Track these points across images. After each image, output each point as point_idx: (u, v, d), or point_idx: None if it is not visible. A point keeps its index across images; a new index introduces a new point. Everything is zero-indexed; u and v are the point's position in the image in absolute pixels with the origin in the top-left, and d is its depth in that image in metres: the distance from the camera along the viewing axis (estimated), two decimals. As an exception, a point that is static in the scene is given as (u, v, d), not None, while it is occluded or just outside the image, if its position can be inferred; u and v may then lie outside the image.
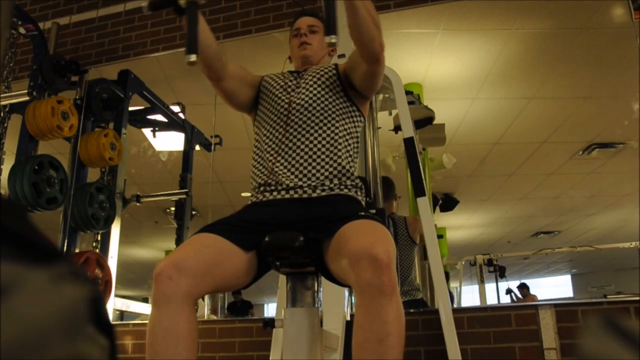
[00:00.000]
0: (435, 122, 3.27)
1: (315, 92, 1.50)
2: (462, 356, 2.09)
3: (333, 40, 1.09)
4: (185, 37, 1.23)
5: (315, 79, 1.53)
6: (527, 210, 5.37)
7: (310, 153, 1.42)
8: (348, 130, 1.49)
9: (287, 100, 1.50)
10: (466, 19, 3.21)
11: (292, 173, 1.41)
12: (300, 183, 1.39)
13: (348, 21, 1.27)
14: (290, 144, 1.44)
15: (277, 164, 1.43)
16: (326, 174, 1.40)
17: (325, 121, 1.45)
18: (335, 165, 1.41)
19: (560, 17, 3.26)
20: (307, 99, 1.48)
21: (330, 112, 1.47)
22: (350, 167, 1.45)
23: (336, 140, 1.44)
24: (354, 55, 1.45)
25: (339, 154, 1.43)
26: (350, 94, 1.52)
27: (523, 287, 6.64)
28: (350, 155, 1.47)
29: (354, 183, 1.43)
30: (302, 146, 1.43)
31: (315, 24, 1.65)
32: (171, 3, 1.25)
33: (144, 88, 3.20)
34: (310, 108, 1.47)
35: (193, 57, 1.19)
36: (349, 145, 1.48)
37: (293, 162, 1.42)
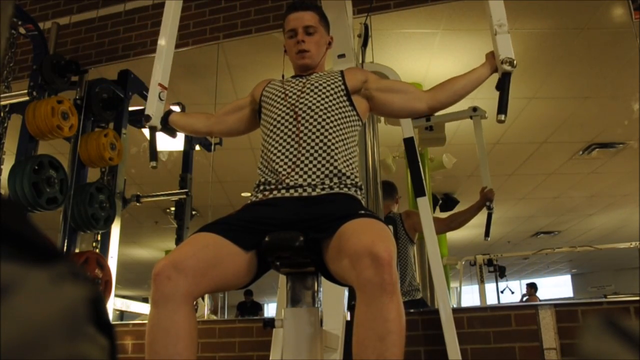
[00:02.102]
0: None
1: (318, 98, 1.51)
2: (462, 356, 2.09)
3: (503, 119, 1.45)
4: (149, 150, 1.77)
5: (319, 85, 1.54)
6: (527, 210, 5.37)
7: (312, 151, 1.43)
8: (348, 135, 1.50)
9: (290, 107, 1.51)
10: (466, 19, 3.21)
11: (294, 171, 1.41)
12: (300, 181, 1.39)
13: (462, 90, 1.54)
14: (296, 145, 1.45)
15: (284, 166, 1.43)
16: (326, 172, 1.41)
17: (324, 127, 1.46)
18: (335, 164, 1.42)
19: (560, 17, 3.26)
20: (310, 104, 1.49)
21: (330, 118, 1.48)
22: (348, 170, 1.45)
23: (334, 144, 1.45)
24: (411, 90, 1.58)
25: (337, 156, 1.44)
26: (353, 100, 1.54)
27: (531, 287, 6.69)
28: (349, 159, 1.48)
29: (353, 182, 1.44)
30: (305, 145, 1.44)
31: (311, 23, 1.59)
32: (153, 140, 1.77)
33: (144, 88, 3.20)
34: (314, 109, 1.49)
35: (153, 164, 1.73)
36: (346, 149, 1.49)
37: (296, 160, 1.43)
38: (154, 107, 1.77)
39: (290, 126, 1.48)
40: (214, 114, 1.77)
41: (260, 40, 3.28)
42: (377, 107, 1.60)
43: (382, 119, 2.82)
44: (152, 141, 1.75)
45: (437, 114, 3.16)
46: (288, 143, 1.46)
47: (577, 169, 4.38)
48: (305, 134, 1.45)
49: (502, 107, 1.47)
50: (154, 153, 1.73)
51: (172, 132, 1.81)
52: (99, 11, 3.65)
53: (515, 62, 1.49)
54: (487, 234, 3.02)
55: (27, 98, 2.70)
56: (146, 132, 1.89)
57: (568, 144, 4.16)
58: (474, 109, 3.19)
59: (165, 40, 1.88)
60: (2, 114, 2.81)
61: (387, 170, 3.20)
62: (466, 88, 1.54)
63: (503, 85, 1.49)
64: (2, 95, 2.74)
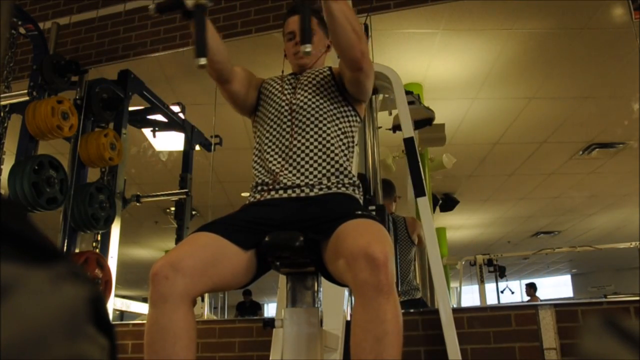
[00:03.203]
0: (435, 122, 3.26)
1: (311, 94, 1.51)
2: (462, 356, 2.09)
3: (308, 50, 1.17)
4: (194, 41, 1.22)
5: (310, 81, 1.54)
6: (527, 210, 5.37)
7: (307, 151, 1.43)
8: (343, 130, 1.50)
9: (286, 103, 1.51)
10: (466, 19, 3.21)
11: (290, 172, 1.41)
12: (298, 182, 1.39)
13: (328, 27, 1.32)
14: (288, 144, 1.45)
15: (276, 164, 1.43)
16: (323, 171, 1.41)
17: (320, 122, 1.46)
18: (332, 163, 1.42)
19: (560, 17, 3.26)
20: (304, 100, 1.49)
21: (325, 113, 1.48)
22: (347, 165, 1.45)
23: (331, 140, 1.45)
24: (340, 61, 1.45)
25: (336, 152, 1.44)
26: (346, 95, 1.53)
27: (530, 287, 6.70)
28: (346, 155, 1.48)
29: (351, 181, 1.44)
30: (300, 145, 1.44)
31: None
32: (179, 5, 1.26)
33: (144, 88, 3.20)
34: (307, 108, 1.48)
35: (203, 61, 1.20)
36: (345, 144, 1.49)
37: (291, 161, 1.43)
38: None
39: (284, 125, 1.48)
40: (236, 68, 1.52)
41: (260, 40, 3.28)
42: (352, 94, 1.51)
43: (381, 117, 2.81)
44: (201, 26, 1.25)
45: (438, 120, 3.22)
46: (282, 143, 1.46)
47: (577, 169, 4.38)
48: (299, 134, 1.45)
49: (305, 36, 1.18)
50: (203, 45, 1.22)
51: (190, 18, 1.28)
52: (99, 11, 3.65)
53: None
54: None
55: (27, 98, 2.69)
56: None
57: (568, 144, 4.16)
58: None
59: None
60: (2, 114, 2.81)
61: (387, 170, 3.20)
62: (342, 13, 1.29)
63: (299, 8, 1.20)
64: (2, 95, 2.74)
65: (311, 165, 1.41)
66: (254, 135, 1.57)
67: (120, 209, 3.01)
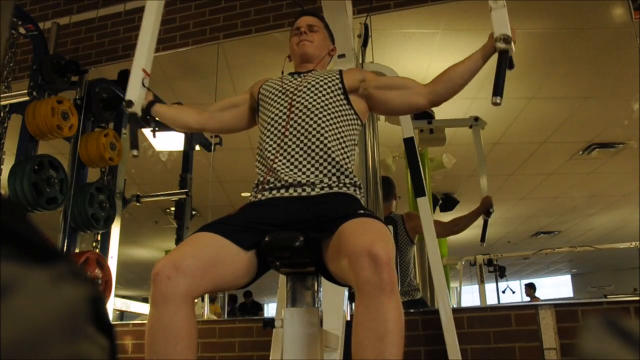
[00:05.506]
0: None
1: (316, 94, 1.51)
2: (462, 356, 2.09)
3: (498, 102, 1.36)
4: (129, 137, 1.70)
5: (316, 82, 1.54)
6: (527, 210, 5.36)
7: (309, 151, 1.43)
8: (345, 134, 1.50)
9: (288, 102, 1.51)
10: (466, 19, 3.21)
11: (291, 170, 1.41)
12: (299, 179, 1.39)
13: (460, 80, 1.50)
14: (290, 143, 1.45)
15: (277, 162, 1.43)
16: (324, 172, 1.41)
17: (323, 123, 1.46)
18: (333, 163, 1.42)
19: (560, 17, 3.26)
20: (308, 99, 1.50)
21: (328, 115, 1.48)
22: (348, 166, 1.45)
23: (334, 141, 1.45)
24: (410, 85, 1.58)
25: (337, 153, 1.44)
26: (351, 99, 1.54)
27: (530, 287, 6.68)
28: (348, 157, 1.48)
29: (352, 181, 1.44)
30: (302, 145, 1.44)
31: (315, 23, 1.68)
32: (136, 123, 1.67)
33: (144, 88, 3.20)
34: (311, 107, 1.48)
35: (135, 152, 1.64)
36: (347, 147, 1.49)
37: (292, 160, 1.43)
38: (136, 93, 1.65)
39: (284, 124, 1.48)
40: (207, 109, 1.75)
41: (260, 40, 3.28)
42: (376, 105, 1.60)
43: (382, 117, 2.82)
44: (133, 129, 1.68)
45: (437, 118, 3.19)
46: (282, 141, 1.46)
47: (577, 169, 4.37)
48: (296, 129, 1.46)
49: (497, 89, 1.36)
50: (134, 141, 1.65)
51: (151, 123, 1.71)
52: (99, 11, 3.65)
53: (510, 38, 1.40)
54: (482, 239, 3.07)
55: (27, 98, 2.70)
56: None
57: (568, 144, 4.15)
58: (475, 118, 3.25)
59: (150, 21, 1.74)
60: (2, 114, 2.81)
61: (387, 170, 3.20)
62: (465, 76, 1.50)
63: (499, 65, 1.40)
64: (2, 95, 2.74)
65: (313, 165, 1.41)
66: (258, 137, 1.58)
67: (120, 209, 3.01)
